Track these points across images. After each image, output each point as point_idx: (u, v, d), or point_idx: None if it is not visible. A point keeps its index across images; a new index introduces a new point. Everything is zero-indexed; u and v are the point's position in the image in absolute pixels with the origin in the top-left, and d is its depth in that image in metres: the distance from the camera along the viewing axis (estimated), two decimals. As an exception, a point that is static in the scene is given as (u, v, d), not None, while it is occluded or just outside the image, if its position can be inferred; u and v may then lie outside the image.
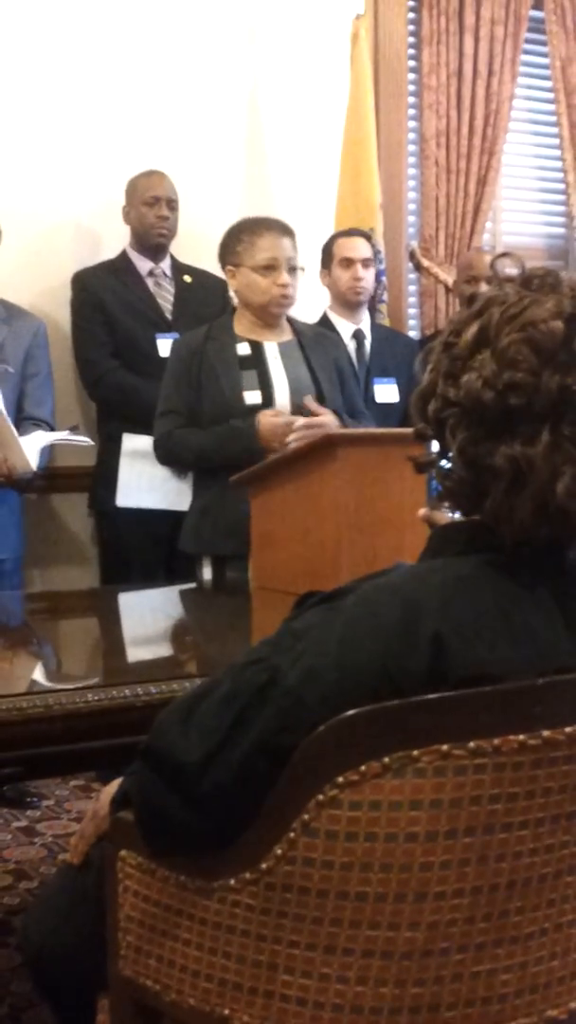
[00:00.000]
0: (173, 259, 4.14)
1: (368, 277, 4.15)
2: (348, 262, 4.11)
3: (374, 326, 4.28)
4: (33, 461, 3.49)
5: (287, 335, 3.26)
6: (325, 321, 4.20)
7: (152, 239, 4.03)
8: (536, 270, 1.26)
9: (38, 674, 2.20)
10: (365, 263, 4.13)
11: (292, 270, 3.16)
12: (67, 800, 3.71)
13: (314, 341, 3.30)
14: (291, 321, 3.30)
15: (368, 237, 4.21)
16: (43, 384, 3.80)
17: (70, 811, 3.60)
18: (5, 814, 3.57)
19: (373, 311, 4.40)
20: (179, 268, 4.13)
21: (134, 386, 3.90)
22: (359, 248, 4.13)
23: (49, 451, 3.69)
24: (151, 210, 4.01)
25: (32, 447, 3.49)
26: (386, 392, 4.11)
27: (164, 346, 3.94)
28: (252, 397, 3.13)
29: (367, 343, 4.19)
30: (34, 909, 1.67)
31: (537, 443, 1.17)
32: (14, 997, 2.40)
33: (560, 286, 1.23)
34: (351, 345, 4.17)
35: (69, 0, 4.12)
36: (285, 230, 3.20)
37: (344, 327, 4.18)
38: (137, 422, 3.90)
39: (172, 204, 4.05)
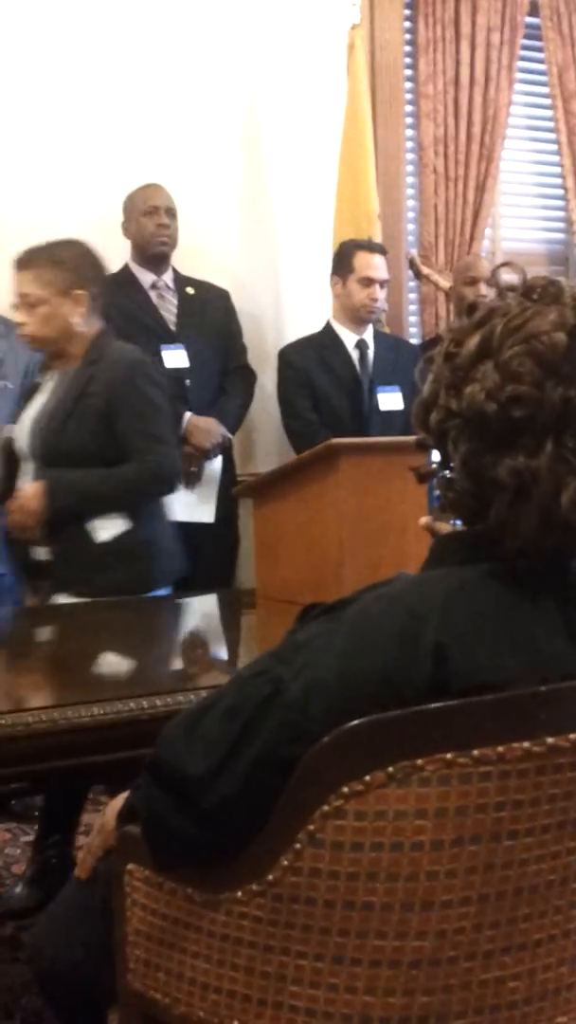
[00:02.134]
0: (175, 271, 4.14)
1: (382, 297, 4.17)
2: (369, 281, 4.12)
3: (377, 335, 4.28)
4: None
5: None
6: (329, 330, 4.21)
7: (154, 248, 4.03)
8: (537, 280, 1.26)
9: (43, 689, 2.20)
10: (383, 284, 4.16)
11: None
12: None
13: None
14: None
15: (386, 252, 4.22)
16: None
17: (78, 825, 3.58)
18: (13, 829, 3.56)
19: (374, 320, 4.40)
20: (181, 280, 4.14)
21: None
22: (381, 268, 4.14)
23: None
24: (151, 219, 4.01)
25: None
26: (390, 400, 4.11)
27: (169, 358, 3.96)
28: None
29: (370, 353, 4.20)
30: (43, 924, 1.67)
31: (541, 455, 1.17)
32: (24, 1012, 2.39)
33: (562, 296, 1.23)
34: (354, 355, 4.18)
35: (66, 15, 4.13)
36: None
37: (348, 337, 4.19)
38: None
39: (171, 212, 4.05)
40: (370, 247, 4.18)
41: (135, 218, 4.03)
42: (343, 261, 4.17)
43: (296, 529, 2.72)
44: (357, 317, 4.17)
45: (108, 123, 4.19)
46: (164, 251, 4.06)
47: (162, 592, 3.10)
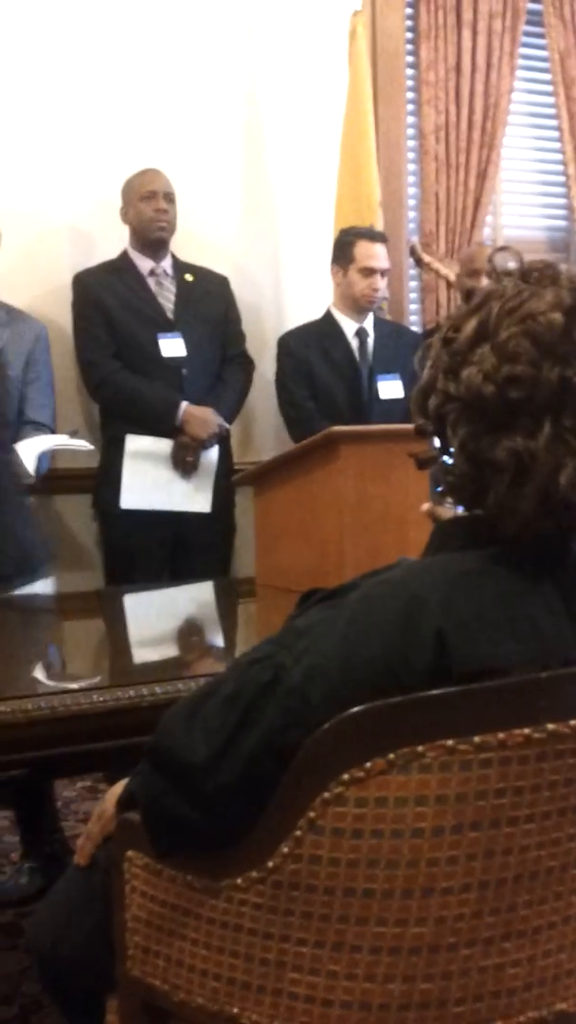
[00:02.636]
0: (174, 257, 4.13)
1: (384, 286, 4.15)
2: (370, 271, 4.10)
3: (377, 322, 4.27)
4: (31, 467, 3.49)
5: None
6: (329, 318, 4.20)
7: (152, 233, 4.01)
8: (535, 263, 1.26)
9: (43, 676, 2.19)
10: (384, 273, 4.13)
11: None
12: (74, 801, 3.70)
13: None
14: None
15: (386, 240, 4.20)
16: (44, 389, 3.80)
17: (77, 812, 3.59)
18: (12, 816, 3.56)
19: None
20: (180, 266, 4.12)
21: (136, 387, 3.90)
22: (381, 257, 4.11)
23: (49, 456, 3.68)
24: (149, 204, 3.99)
25: (29, 453, 3.49)
26: (390, 388, 4.10)
27: (166, 346, 3.94)
28: None
29: (370, 341, 4.18)
30: (42, 911, 1.67)
31: (539, 435, 1.17)
32: (24, 999, 2.40)
33: (559, 278, 1.22)
34: (354, 343, 4.16)
35: (65, 4, 4.11)
36: None
37: (348, 325, 4.17)
38: (140, 423, 3.90)
39: (170, 197, 4.02)
40: (371, 236, 4.15)
41: (133, 203, 4.01)
42: (343, 250, 4.14)
43: (296, 517, 2.71)
44: (358, 306, 4.15)
45: (108, 108, 4.17)
46: (162, 236, 4.04)
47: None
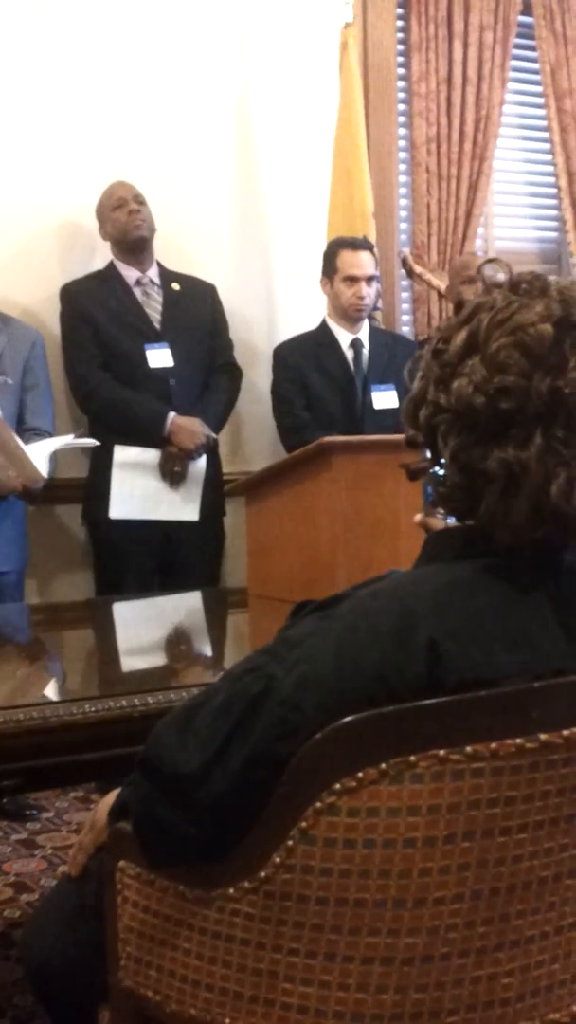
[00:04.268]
0: (160, 267, 4.13)
1: (371, 293, 4.14)
2: (353, 280, 4.10)
3: (373, 332, 4.26)
4: (44, 469, 3.51)
5: None
6: (324, 329, 4.20)
7: (131, 235, 4.01)
8: (524, 275, 1.26)
9: (36, 686, 2.19)
10: (369, 280, 4.13)
11: None
12: (66, 812, 3.70)
13: None
14: None
15: (371, 247, 4.19)
16: (42, 395, 3.81)
17: (70, 823, 3.59)
18: (5, 827, 3.56)
19: (369, 318, 4.39)
20: (167, 275, 4.13)
21: (124, 399, 3.91)
22: (363, 265, 4.11)
23: (55, 459, 3.69)
24: (121, 211, 4.00)
25: (41, 455, 3.51)
26: (385, 399, 4.10)
27: (153, 357, 3.95)
28: None
29: (365, 351, 4.18)
30: (34, 921, 1.66)
31: (530, 446, 1.17)
32: (16, 1010, 2.39)
33: (548, 290, 1.23)
34: (349, 354, 4.16)
35: (57, 11, 4.12)
36: None
37: (343, 336, 4.17)
38: (128, 434, 3.91)
39: (139, 199, 4.01)
40: (353, 244, 4.16)
41: (107, 216, 4.03)
42: (329, 262, 4.16)
43: (289, 527, 2.72)
44: (347, 316, 4.16)
45: (99, 116, 4.17)
46: (142, 235, 4.02)
47: None
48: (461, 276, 4.42)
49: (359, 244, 4.17)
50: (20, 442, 3.49)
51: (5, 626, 2.93)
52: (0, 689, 2.10)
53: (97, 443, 3.80)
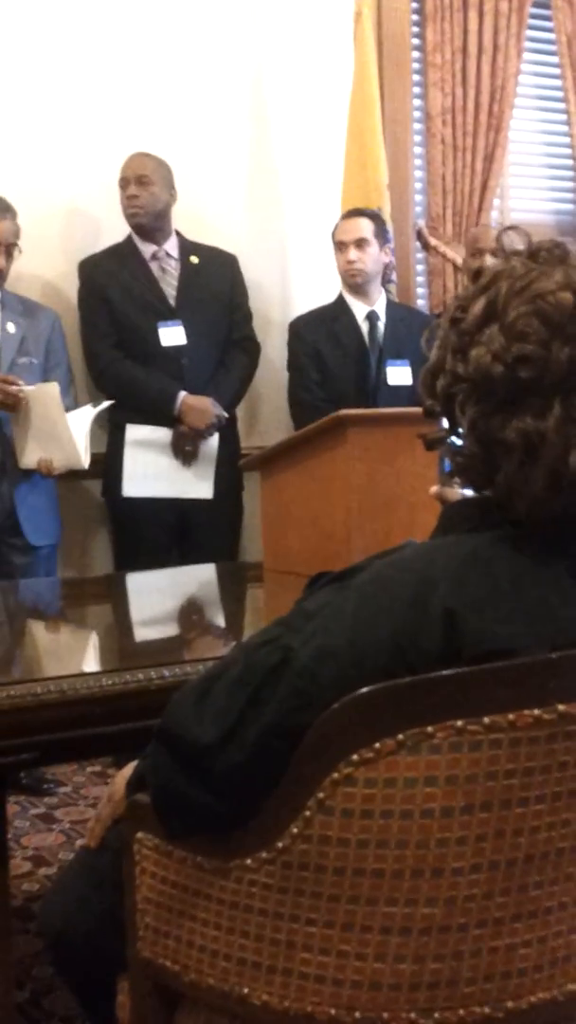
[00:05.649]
0: (180, 237, 4.11)
1: (363, 258, 4.09)
2: (341, 245, 4.11)
3: (390, 304, 4.24)
4: (84, 459, 3.59)
5: None
6: (341, 302, 4.18)
7: (128, 220, 4.00)
8: (543, 243, 1.25)
9: (52, 659, 2.20)
10: (358, 243, 4.08)
11: None
12: (84, 786, 3.72)
13: None
14: None
15: (371, 215, 4.16)
16: (65, 375, 3.84)
17: (87, 797, 3.61)
18: (23, 802, 3.58)
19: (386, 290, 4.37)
20: (186, 248, 4.10)
21: (135, 377, 3.91)
22: (350, 230, 4.10)
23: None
24: (123, 193, 3.99)
25: (79, 443, 3.56)
26: (399, 375, 4.08)
27: (166, 335, 3.94)
28: None
29: (380, 324, 4.16)
30: (53, 893, 1.67)
31: (548, 416, 1.16)
32: (35, 982, 2.41)
33: (568, 258, 1.22)
34: (364, 327, 4.14)
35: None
36: None
37: (358, 308, 4.15)
38: (139, 413, 3.91)
39: (141, 179, 3.96)
40: (347, 213, 4.18)
41: (120, 192, 4.02)
42: (333, 236, 4.17)
43: (304, 501, 2.71)
44: (346, 284, 4.15)
45: (113, 90, 4.16)
46: (139, 222, 3.99)
47: None
48: (472, 248, 4.40)
49: (351, 212, 4.17)
50: (72, 434, 3.52)
51: (35, 599, 2.94)
52: (18, 663, 2.10)
53: (113, 401, 3.81)
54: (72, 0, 4.10)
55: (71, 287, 4.07)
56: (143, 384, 3.90)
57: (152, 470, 3.94)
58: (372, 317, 4.15)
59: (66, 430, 3.52)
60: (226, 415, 4.00)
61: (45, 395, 3.52)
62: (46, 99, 4.08)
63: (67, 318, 4.00)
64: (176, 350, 3.96)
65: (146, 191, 3.97)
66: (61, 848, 3.20)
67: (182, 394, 3.91)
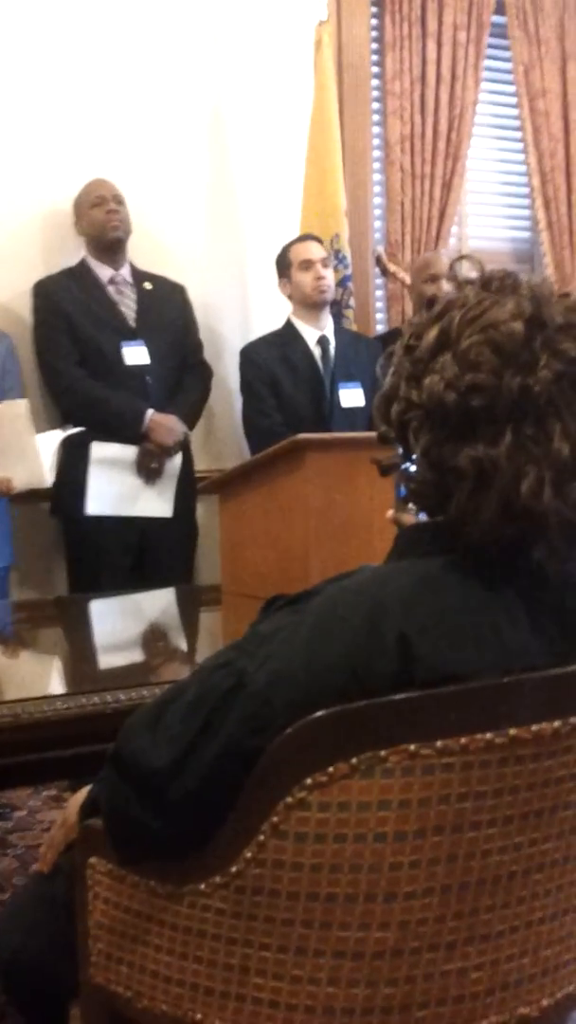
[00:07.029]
0: (132, 266, 4.13)
1: (329, 276, 4.16)
2: (308, 264, 4.13)
3: (338, 330, 4.28)
4: (49, 477, 3.59)
5: None
6: (290, 327, 4.21)
7: (108, 235, 4.02)
8: (495, 272, 1.27)
9: (6, 683, 2.18)
10: (324, 262, 4.15)
11: None
12: (39, 810, 3.69)
13: None
14: None
15: (320, 241, 4.23)
16: (17, 397, 3.80)
17: (42, 822, 3.58)
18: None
19: (338, 316, 4.40)
20: (139, 275, 4.13)
21: (101, 396, 3.91)
22: (314, 250, 4.15)
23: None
24: (100, 210, 4.02)
25: (45, 461, 3.55)
26: (352, 397, 4.11)
27: (130, 354, 3.95)
28: None
29: (331, 348, 4.19)
30: (4, 918, 1.66)
31: (500, 443, 1.18)
32: (-13, 1008, 2.38)
33: (519, 287, 1.23)
34: (316, 351, 4.17)
35: (34, 11, 4.11)
36: None
37: (309, 333, 4.18)
38: (105, 431, 3.90)
39: (118, 199, 4.04)
40: (300, 238, 4.23)
41: (85, 213, 4.05)
42: (281, 263, 4.21)
43: (262, 524, 2.72)
44: (313, 303, 4.16)
45: (70, 115, 4.17)
46: (118, 236, 4.04)
47: None
48: (424, 274, 4.43)
49: (304, 236, 4.23)
50: (39, 451, 3.51)
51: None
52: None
53: (82, 428, 3.80)
54: (30, 30, 4.11)
55: (24, 310, 4.05)
56: (110, 402, 3.90)
57: (116, 489, 3.94)
58: (323, 342, 4.18)
59: (33, 447, 3.50)
60: (189, 432, 4.03)
61: (12, 412, 3.51)
62: (6, 123, 4.08)
63: (21, 342, 3.98)
64: (140, 369, 3.97)
65: (124, 208, 4.05)
66: (15, 873, 3.16)
67: (149, 411, 3.92)
